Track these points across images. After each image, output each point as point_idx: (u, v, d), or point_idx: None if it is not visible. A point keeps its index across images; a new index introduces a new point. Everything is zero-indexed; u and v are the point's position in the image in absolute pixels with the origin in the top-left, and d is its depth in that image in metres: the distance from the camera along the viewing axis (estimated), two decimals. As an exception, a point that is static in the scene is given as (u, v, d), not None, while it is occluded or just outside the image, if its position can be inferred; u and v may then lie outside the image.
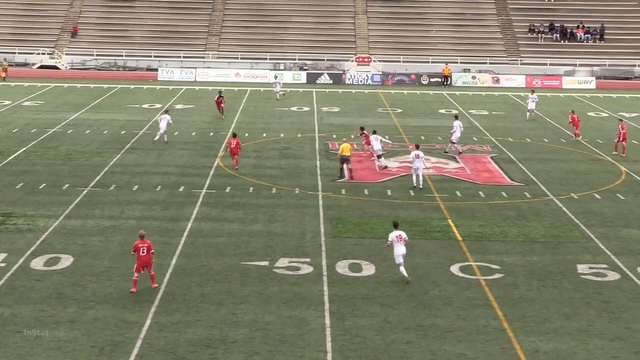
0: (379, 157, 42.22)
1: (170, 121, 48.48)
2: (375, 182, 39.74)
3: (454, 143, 46.42)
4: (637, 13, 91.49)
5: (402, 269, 26.80)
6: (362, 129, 46.10)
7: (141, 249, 25.28)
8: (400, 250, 26.74)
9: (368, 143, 43.99)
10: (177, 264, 27.96)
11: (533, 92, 61.60)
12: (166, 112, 50.88)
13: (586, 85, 79.18)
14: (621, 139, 46.80)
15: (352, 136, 49.16)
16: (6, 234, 30.73)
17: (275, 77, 72.83)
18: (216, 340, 22.26)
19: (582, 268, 28.39)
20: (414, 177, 38.50)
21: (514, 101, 68.30)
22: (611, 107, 65.37)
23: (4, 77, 74.81)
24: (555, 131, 54.27)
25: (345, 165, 40.15)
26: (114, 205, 34.86)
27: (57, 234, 30.84)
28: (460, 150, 46.45)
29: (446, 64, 79.91)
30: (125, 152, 45.38)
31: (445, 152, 46.48)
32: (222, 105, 57.11)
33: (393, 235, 26.94)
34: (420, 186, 38.14)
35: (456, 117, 48.51)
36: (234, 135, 42.57)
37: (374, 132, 43.67)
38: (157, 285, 25.80)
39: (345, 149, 39.99)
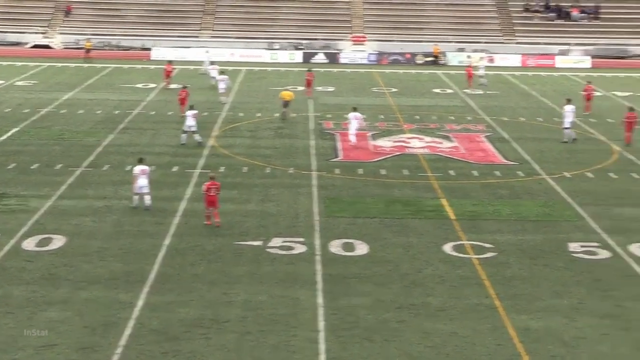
0: (193, 132, 42.06)
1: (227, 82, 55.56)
2: (370, 161, 39.74)
3: (567, 128, 44.50)
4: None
5: (145, 197, 31.30)
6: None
7: (210, 189, 29.61)
8: (142, 182, 31.14)
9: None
10: (171, 244, 27.98)
11: (481, 59, 72.58)
12: (222, 72, 57.52)
13: (581, 64, 79.04)
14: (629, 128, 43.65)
15: (345, 116, 49.16)
16: (-1, 215, 30.75)
17: (207, 51, 72.41)
18: (209, 320, 22.30)
19: (573, 246, 28.44)
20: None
21: (509, 80, 68.20)
22: (605, 86, 65.19)
23: (87, 59, 74.66)
24: (549, 110, 54.25)
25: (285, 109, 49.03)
26: (108, 185, 34.84)
27: (49, 215, 30.85)
28: (574, 137, 44.58)
29: (435, 44, 79.82)
30: (119, 132, 45.31)
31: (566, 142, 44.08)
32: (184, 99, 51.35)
33: (138, 169, 31.25)
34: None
35: (568, 101, 45.23)
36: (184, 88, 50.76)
37: (191, 107, 43.17)
38: (220, 223, 29.57)
39: (285, 95, 49.71)
